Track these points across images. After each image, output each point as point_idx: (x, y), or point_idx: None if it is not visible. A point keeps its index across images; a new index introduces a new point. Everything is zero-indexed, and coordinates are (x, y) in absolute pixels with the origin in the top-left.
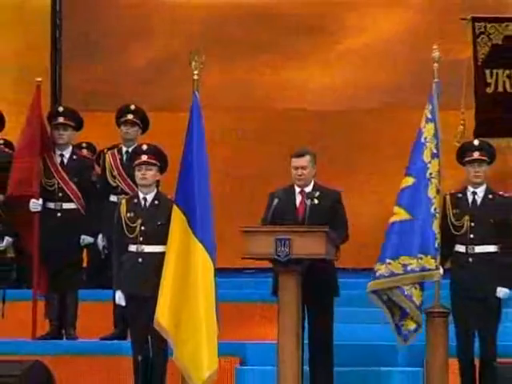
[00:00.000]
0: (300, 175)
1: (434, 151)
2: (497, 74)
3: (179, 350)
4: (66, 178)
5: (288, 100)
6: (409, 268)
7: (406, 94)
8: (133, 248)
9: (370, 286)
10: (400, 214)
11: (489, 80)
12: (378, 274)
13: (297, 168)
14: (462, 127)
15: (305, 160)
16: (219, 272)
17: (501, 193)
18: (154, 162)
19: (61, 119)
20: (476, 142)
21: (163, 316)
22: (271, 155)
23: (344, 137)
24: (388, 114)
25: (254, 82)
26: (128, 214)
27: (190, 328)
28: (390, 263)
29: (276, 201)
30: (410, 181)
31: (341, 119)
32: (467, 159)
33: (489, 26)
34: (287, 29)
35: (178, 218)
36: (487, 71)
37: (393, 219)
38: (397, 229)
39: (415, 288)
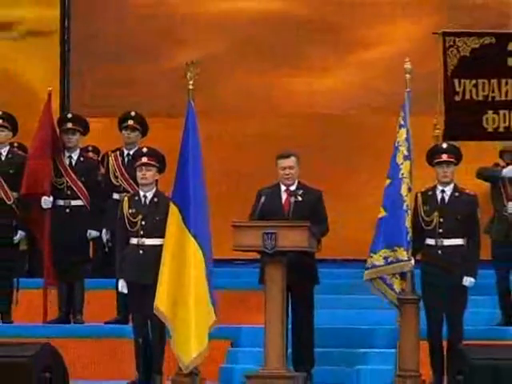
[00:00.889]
0: (288, 175)
1: (406, 154)
2: (464, 83)
3: (175, 333)
4: (74, 178)
5: (288, 102)
6: (389, 260)
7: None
8: (134, 241)
9: (364, 276)
10: (381, 212)
11: (457, 89)
12: (366, 265)
13: (284, 168)
14: (438, 131)
15: (291, 160)
16: (215, 263)
17: (467, 191)
18: (153, 163)
19: (69, 125)
20: (444, 145)
21: (162, 302)
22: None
23: (345, 138)
24: (388, 117)
25: (256, 84)
26: (130, 211)
27: (183, 314)
28: (371, 256)
29: (263, 198)
30: (387, 182)
31: (342, 121)
32: (436, 161)
33: (457, 39)
34: (292, 32)
35: (174, 214)
36: (456, 81)
37: (378, 216)
38: (378, 225)
39: (396, 278)
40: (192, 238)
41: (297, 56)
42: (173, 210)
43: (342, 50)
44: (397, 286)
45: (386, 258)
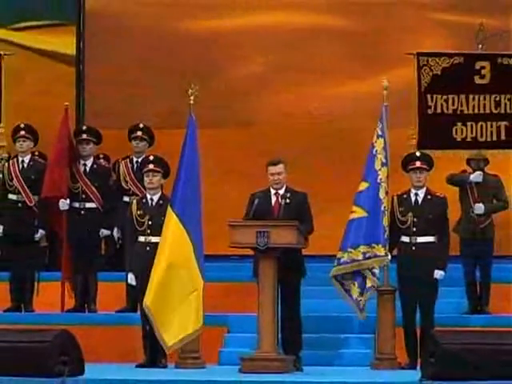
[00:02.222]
0: (277, 180)
1: (384, 161)
2: (436, 98)
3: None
4: (88, 183)
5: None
6: (367, 255)
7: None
8: (142, 239)
9: (333, 271)
10: (358, 212)
11: (430, 103)
12: (341, 260)
13: (273, 174)
14: (414, 141)
15: (280, 167)
16: (213, 258)
17: (437, 194)
18: (158, 169)
19: (84, 136)
20: (418, 154)
21: (148, 299)
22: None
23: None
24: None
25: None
26: (138, 212)
27: (170, 300)
28: (351, 251)
29: (256, 200)
30: (365, 185)
31: (342, 128)
32: (410, 167)
33: (430, 59)
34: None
35: (169, 212)
36: (428, 96)
37: (352, 216)
38: (356, 224)
39: (354, 284)
40: (184, 232)
41: (305, 62)
42: (169, 210)
43: (360, 62)
44: (354, 292)
45: (364, 253)
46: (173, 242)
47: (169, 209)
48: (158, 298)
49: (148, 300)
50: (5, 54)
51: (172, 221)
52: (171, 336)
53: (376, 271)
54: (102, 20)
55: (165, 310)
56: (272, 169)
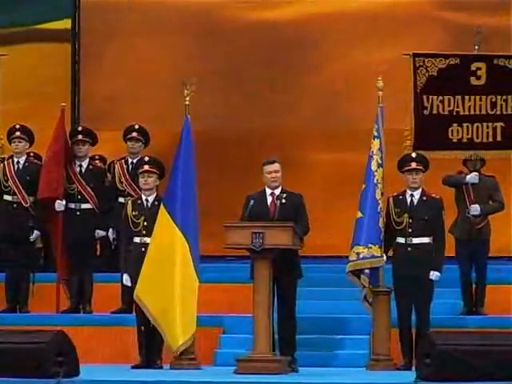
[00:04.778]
0: (274, 178)
1: (380, 162)
2: (432, 99)
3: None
4: (84, 184)
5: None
6: (361, 255)
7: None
8: (137, 240)
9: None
10: (359, 214)
11: (426, 104)
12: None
13: (270, 172)
14: (408, 142)
15: (276, 166)
16: (210, 259)
17: (433, 195)
18: (154, 170)
19: (80, 136)
20: (413, 155)
21: (142, 292)
22: None
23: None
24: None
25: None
26: (133, 213)
27: (169, 303)
28: (350, 253)
29: (252, 202)
30: (362, 187)
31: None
32: (406, 168)
33: (426, 60)
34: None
35: (162, 213)
36: (424, 97)
37: (356, 217)
38: (355, 224)
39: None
40: (180, 234)
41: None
42: (162, 210)
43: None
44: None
45: (358, 254)
46: (166, 240)
47: (162, 208)
48: (157, 299)
49: (139, 292)
50: (1, 55)
51: (164, 220)
52: (178, 337)
53: (367, 271)
54: (99, 16)
55: (166, 312)
56: (268, 167)
